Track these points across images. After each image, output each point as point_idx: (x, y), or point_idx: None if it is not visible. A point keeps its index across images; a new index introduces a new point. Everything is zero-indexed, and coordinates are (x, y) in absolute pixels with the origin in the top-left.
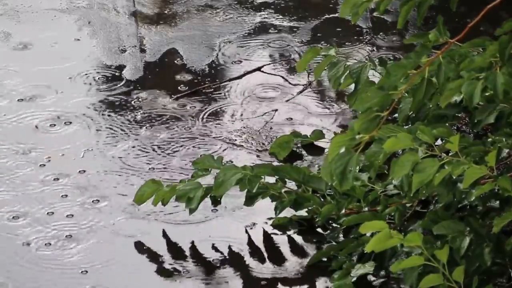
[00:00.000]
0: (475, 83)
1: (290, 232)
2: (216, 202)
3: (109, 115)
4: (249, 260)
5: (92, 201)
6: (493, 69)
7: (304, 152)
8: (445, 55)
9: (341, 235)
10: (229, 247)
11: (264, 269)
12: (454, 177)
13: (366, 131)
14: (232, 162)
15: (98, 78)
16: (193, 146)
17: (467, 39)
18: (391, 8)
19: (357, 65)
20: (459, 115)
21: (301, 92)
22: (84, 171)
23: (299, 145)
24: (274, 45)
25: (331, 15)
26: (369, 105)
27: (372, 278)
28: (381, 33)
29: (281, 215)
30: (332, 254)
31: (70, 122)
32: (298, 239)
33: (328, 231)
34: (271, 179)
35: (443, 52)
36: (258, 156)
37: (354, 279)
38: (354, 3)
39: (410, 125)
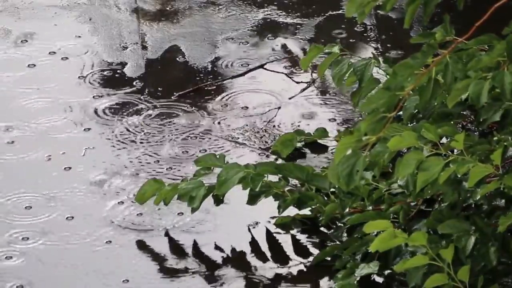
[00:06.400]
0: (482, 83)
1: (293, 231)
2: (218, 201)
3: (110, 113)
4: (251, 260)
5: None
6: (501, 68)
7: (307, 151)
8: (452, 54)
9: (345, 234)
10: (232, 247)
11: (267, 269)
12: (459, 176)
13: (372, 132)
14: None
15: (99, 76)
16: (195, 145)
17: (474, 38)
18: (396, 5)
19: (361, 62)
20: (465, 113)
21: (304, 89)
22: (86, 169)
23: (302, 143)
24: (277, 42)
25: (335, 12)
26: (376, 106)
27: (377, 278)
28: (385, 30)
29: (284, 214)
30: (336, 253)
31: (71, 120)
32: (302, 238)
33: (332, 230)
34: (274, 178)
35: (450, 51)
36: (261, 154)
37: (358, 278)
38: (360, 3)
39: (415, 124)
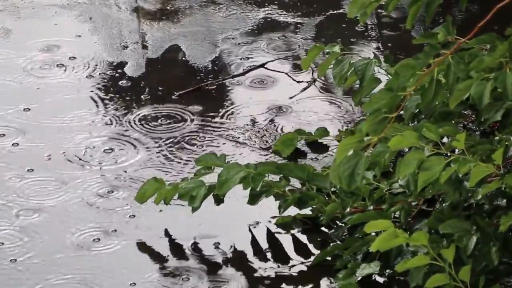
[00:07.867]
0: (484, 84)
1: (294, 231)
2: (219, 200)
3: (110, 113)
4: (252, 259)
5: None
6: (503, 69)
7: (308, 150)
8: (454, 55)
9: (345, 234)
10: (232, 247)
11: (267, 269)
12: (461, 176)
13: (374, 133)
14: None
15: (99, 75)
16: (196, 144)
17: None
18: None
19: (362, 62)
20: (466, 112)
21: (305, 89)
22: (86, 169)
23: (303, 142)
24: (277, 42)
25: (335, 11)
26: (377, 107)
27: (377, 278)
28: (386, 30)
29: (285, 213)
30: (337, 253)
31: (71, 120)
32: (302, 238)
33: (333, 230)
34: (275, 177)
35: (452, 52)
36: (261, 154)
37: (359, 278)
38: (362, 3)
39: (416, 123)
